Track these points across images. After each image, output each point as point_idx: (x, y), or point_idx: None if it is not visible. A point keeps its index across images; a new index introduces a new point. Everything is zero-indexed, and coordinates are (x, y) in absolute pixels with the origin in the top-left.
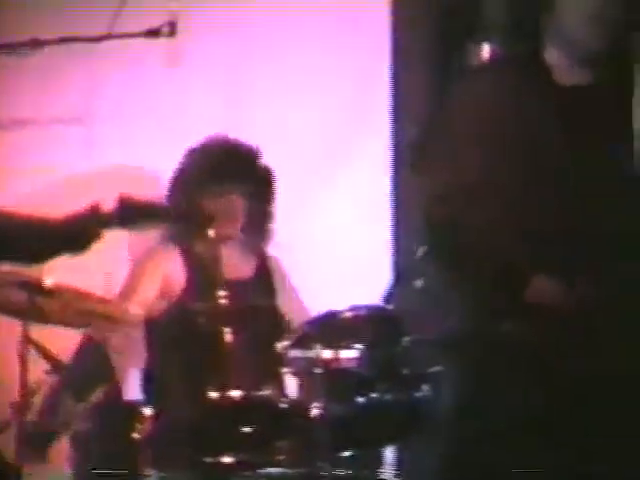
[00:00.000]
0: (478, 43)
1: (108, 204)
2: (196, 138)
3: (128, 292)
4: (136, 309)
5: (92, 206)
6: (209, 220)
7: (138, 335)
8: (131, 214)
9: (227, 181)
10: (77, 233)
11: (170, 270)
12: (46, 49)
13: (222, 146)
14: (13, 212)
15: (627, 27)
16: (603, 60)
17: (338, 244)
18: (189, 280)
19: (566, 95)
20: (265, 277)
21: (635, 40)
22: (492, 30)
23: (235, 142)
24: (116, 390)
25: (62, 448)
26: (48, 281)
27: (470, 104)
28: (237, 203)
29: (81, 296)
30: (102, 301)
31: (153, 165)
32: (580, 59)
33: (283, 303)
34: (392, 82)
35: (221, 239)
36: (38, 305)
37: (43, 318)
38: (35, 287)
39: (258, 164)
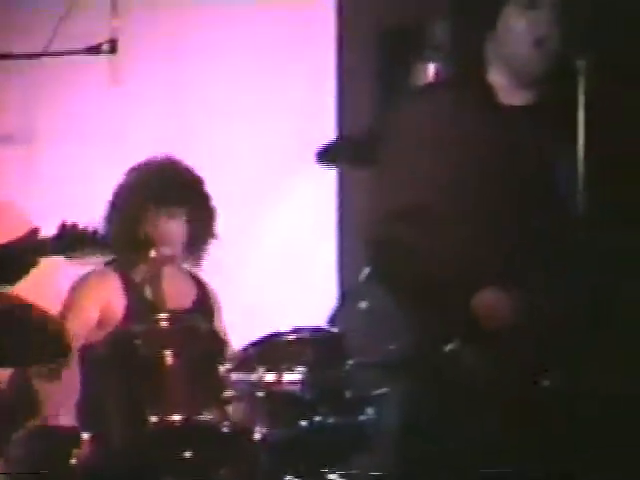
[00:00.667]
0: (423, 63)
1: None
2: (136, 159)
3: (66, 317)
4: (76, 332)
5: (30, 232)
6: (148, 245)
7: (73, 361)
8: (70, 242)
9: (168, 204)
10: (15, 261)
11: (109, 296)
12: None
13: (162, 168)
14: None
15: (569, 49)
16: (544, 81)
17: (283, 266)
18: (128, 306)
19: (508, 114)
20: (204, 301)
21: (578, 62)
22: (436, 50)
23: (175, 164)
24: (50, 418)
25: None
26: None
27: (415, 122)
28: (178, 226)
29: (22, 306)
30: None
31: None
32: (522, 80)
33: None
34: (337, 103)
35: (162, 261)
36: None
37: None
38: None
39: (198, 186)
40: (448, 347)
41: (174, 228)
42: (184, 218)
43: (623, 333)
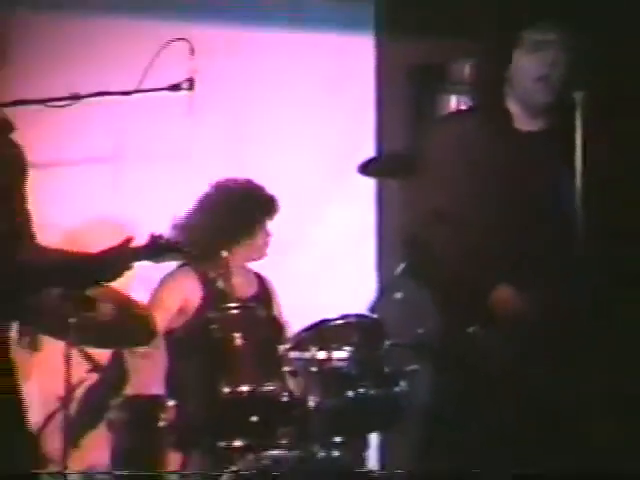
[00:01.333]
0: (449, 94)
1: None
2: (207, 179)
3: (153, 308)
4: (161, 321)
5: (124, 241)
6: (224, 262)
7: (161, 344)
8: (158, 250)
9: (247, 220)
10: (111, 265)
11: (188, 289)
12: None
13: (238, 187)
14: (60, 248)
15: (569, 85)
16: (549, 111)
17: (332, 263)
18: (204, 297)
19: (522, 139)
20: (265, 293)
21: (576, 94)
22: (460, 84)
23: (248, 183)
24: (141, 389)
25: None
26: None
27: (445, 143)
28: (259, 239)
29: (123, 299)
30: (142, 306)
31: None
32: (531, 110)
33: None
34: (376, 127)
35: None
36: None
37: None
38: (79, 297)
39: (270, 199)
40: (470, 330)
41: (256, 243)
42: (262, 229)
43: (620, 333)
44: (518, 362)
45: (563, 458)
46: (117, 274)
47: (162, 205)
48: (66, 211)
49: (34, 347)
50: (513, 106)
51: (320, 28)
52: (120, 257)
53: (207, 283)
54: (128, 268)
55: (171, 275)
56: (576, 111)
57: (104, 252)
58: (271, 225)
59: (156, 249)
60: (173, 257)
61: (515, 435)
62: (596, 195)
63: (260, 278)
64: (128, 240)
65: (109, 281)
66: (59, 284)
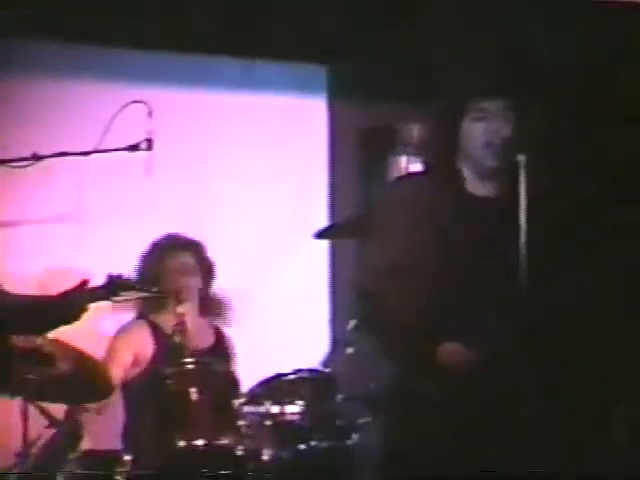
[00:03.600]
0: (399, 156)
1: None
2: (162, 231)
3: (107, 361)
4: (116, 374)
5: (81, 283)
6: (177, 294)
7: (116, 397)
8: (115, 288)
9: (181, 250)
10: (69, 306)
11: (141, 341)
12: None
13: (172, 237)
14: (19, 293)
15: (513, 149)
16: (497, 174)
17: (285, 320)
18: (157, 350)
19: (472, 201)
20: (221, 345)
21: (519, 157)
22: (409, 146)
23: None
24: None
25: None
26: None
27: (401, 205)
28: (190, 263)
29: (79, 354)
30: (98, 361)
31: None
32: (481, 174)
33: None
34: (329, 187)
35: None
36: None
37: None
38: (36, 353)
39: (201, 247)
40: (421, 385)
41: (189, 264)
42: (193, 267)
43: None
44: (466, 414)
45: None
46: (75, 315)
47: (121, 258)
48: (29, 264)
49: None
50: (465, 169)
51: (274, 90)
52: (77, 298)
53: (160, 335)
54: (85, 309)
55: (125, 327)
56: (520, 173)
57: (61, 294)
58: (220, 278)
59: (113, 288)
60: (129, 296)
61: None
62: (539, 256)
63: (217, 331)
64: (84, 282)
65: (67, 323)
66: (18, 328)
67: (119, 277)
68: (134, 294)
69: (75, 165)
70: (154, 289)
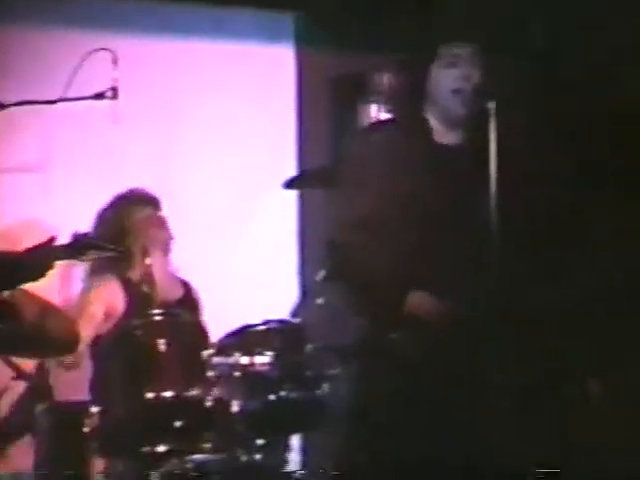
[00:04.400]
0: (368, 105)
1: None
2: (128, 184)
3: (77, 315)
4: (86, 328)
5: (48, 240)
6: (145, 251)
7: (85, 350)
8: (82, 247)
9: (145, 203)
10: (35, 263)
11: (111, 296)
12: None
13: (140, 189)
14: None
15: (483, 97)
16: (466, 124)
17: (255, 270)
18: (128, 303)
19: (440, 151)
20: (190, 297)
21: (489, 104)
22: (379, 95)
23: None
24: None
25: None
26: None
27: (369, 155)
28: (156, 216)
29: (44, 306)
30: (65, 314)
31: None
32: (449, 123)
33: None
34: (298, 137)
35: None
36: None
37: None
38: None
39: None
40: (392, 335)
41: (155, 231)
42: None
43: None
44: (439, 365)
45: (497, 454)
46: (41, 273)
47: (87, 211)
48: None
49: None
50: (432, 119)
51: (241, 39)
52: (44, 255)
53: (131, 289)
54: (51, 267)
55: (94, 282)
56: (489, 121)
57: (27, 250)
58: (185, 229)
59: (80, 246)
60: (96, 254)
61: (437, 435)
62: (510, 203)
63: (185, 284)
64: (51, 239)
65: (33, 280)
66: None
67: (86, 235)
68: (100, 253)
69: (40, 114)
70: (120, 248)
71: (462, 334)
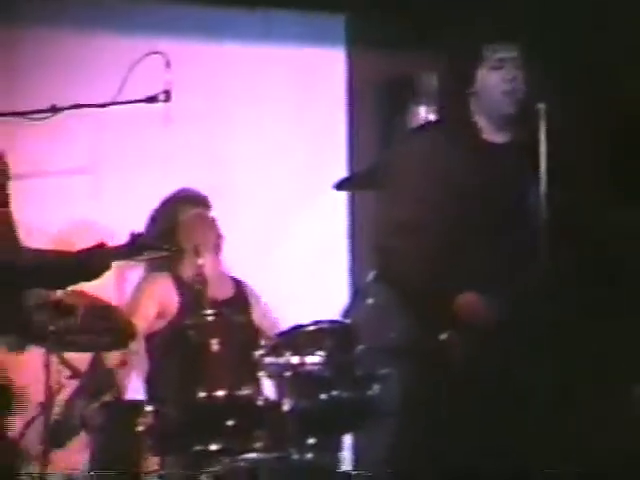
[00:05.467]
0: (417, 107)
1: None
2: (181, 183)
3: (130, 313)
4: (139, 325)
5: (99, 243)
6: (196, 250)
7: (140, 348)
8: (138, 248)
9: (196, 204)
10: (92, 265)
11: (165, 294)
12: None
13: (190, 190)
14: (41, 249)
15: (532, 98)
16: (515, 123)
17: (308, 271)
18: (181, 302)
19: (491, 150)
20: (241, 297)
21: (539, 106)
22: (428, 98)
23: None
24: (121, 393)
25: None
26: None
27: (417, 158)
28: (206, 216)
29: (98, 304)
30: (119, 311)
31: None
32: (498, 123)
33: (258, 318)
34: (348, 139)
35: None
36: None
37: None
38: (57, 304)
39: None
40: (441, 336)
41: (205, 232)
42: (209, 220)
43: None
44: (489, 366)
45: (544, 457)
46: (97, 273)
47: (139, 212)
48: (49, 217)
49: (19, 349)
50: (480, 119)
51: (292, 41)
52: (101, 256)
53: (183, 287)
54: (108, 267)
55: (148, 279)
56: (540, 122)
57: (84, 251)
58: (236, 230)
59: (136, 247)
60: (152, 255)
61: (489, 439)
62: (561, 203)
63: (237, 283)
64: (102, 242)
65: (89, 280)
66: (41, 283)
67: (141, 236)
68: (155, 253)
69: (93, 117)
70: (173, 247)
71: (510, 336)
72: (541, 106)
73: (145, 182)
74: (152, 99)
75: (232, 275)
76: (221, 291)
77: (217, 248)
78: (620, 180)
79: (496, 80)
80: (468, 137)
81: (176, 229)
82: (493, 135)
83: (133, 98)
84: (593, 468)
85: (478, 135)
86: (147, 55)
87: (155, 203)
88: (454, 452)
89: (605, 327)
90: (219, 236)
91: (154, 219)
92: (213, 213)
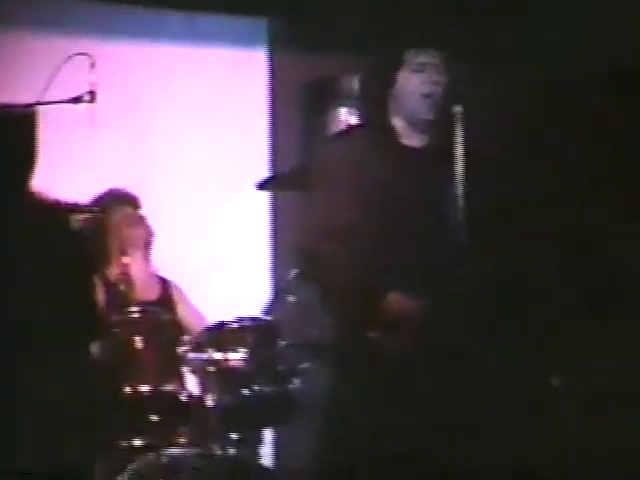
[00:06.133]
0: (338, 109)
1: None
2: (105, 184)
3: None
4: None
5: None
6: (122, 250)
7: None
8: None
9: (123, 203)
10: None
11: None
12: None
13: (118, 189)
14: None
15: (450, 101)
16: (433, 126)
17: (229, 268)
18: (107, 301)
19: (408, 154)
20: (167, 295)
21: (455, 109)
22: (348, 99)
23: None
24: None
25: None
26: None
27: (338, 162)
28: (133, 215)
29: None
30: None
31: None
32: (416, 126)
33: (182, 316)
34: (270, 140)
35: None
36: None
37: None
38: None
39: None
40: (370, 334)
41: (131, 231)
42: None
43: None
44: (417, 362)
45: (468, 451)
46: None
47: None
48: None
49: None
50: (398, 122)
51: (215, 43)
52: None
53: (109, 286)
54: None
55: None
56: (456, 125)
57: None
58: (161, 229)
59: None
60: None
61: (409, 433)
62: (477, 204)
63: (164, 282)
64: None
65: None
66: None
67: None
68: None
69: None
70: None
71: (438, 333)
72: (458, 109)
73: (72, 182)
74: (77, 100)
75: (159, 274)
76: (147, 290)
77: (147, 245)
78: (539, 182)
79: (416, 83)
80: (387, 141)
81: (103, 229)
82: (411, 139)
83: (59, 98)
84: (517, 460)
85: (397, 139)
86: (72, 56)
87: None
88: (376, 449)
89: (523, 322)
90: (149, 234)
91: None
92: (141, 211)
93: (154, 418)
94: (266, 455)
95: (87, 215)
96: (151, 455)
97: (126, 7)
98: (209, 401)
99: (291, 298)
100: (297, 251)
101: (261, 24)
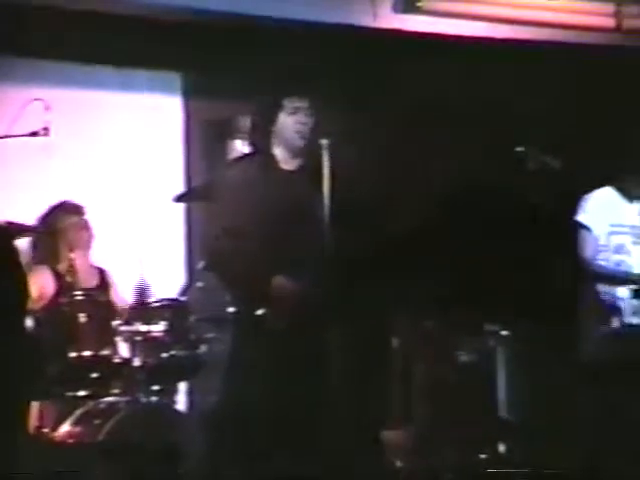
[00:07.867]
0: (236, 141)
1: None
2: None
3: None
4: None
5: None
6: (70, 248)
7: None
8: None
9: (71, 212)
10: None
11: (43, 282)
12: None
13: (67, 201)
14: None
15: (318, 135)
16: (304, 154)
17: (154, 262)
18: (56, 288)
19: (285, 175)
20: (104, 281)
21: (323, 141)
22: (243, 132)
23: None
24: None
25: None
26: None
27: (234, 180)
28: (79, 221)
29: None
30: None
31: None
32: (291, 154)
33: (115, 297)
34: (185, 164)
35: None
36: None
37: None
38: None
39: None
40: (258, 311)
41: (77, 233)
42: (81, 224)
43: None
44: (297, 332)
45: (344, 423)
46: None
47: (28, 219)
48: None
49: None
50: (278, 151)
51: (139, 91)
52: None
53: (58, 277)
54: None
55: (31, 271)
56: (323, 153)
57: None
58: (102, 231)
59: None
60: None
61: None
62: (340, 212)
63: (101, 271)
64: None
65: None
66: None
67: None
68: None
69: None
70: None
71: (312, 308)
72: (324, 141)
73: (32, 196)
74: (34, 134)
75: (97, 265)
76: (89, 278)
77: (88, 245)
78: (393, 191)
79: (291, 122)
80: (270, 165)
81: (55, 234)
82: (288, 164)
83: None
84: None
85: (277, 164)
86: (32, 101)
87: (41, 211)
88: (268, 401)
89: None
90: (91, 235)
91: (40, 223)
92: (86, 218)
93: (94, 375)
94: (180, 402)
95: (32, 234)
96: (92, 403)
97: (77, 64)
98: (136, 362)
99: (199, 284)
100: (203, 248)
101: (176, 77)
